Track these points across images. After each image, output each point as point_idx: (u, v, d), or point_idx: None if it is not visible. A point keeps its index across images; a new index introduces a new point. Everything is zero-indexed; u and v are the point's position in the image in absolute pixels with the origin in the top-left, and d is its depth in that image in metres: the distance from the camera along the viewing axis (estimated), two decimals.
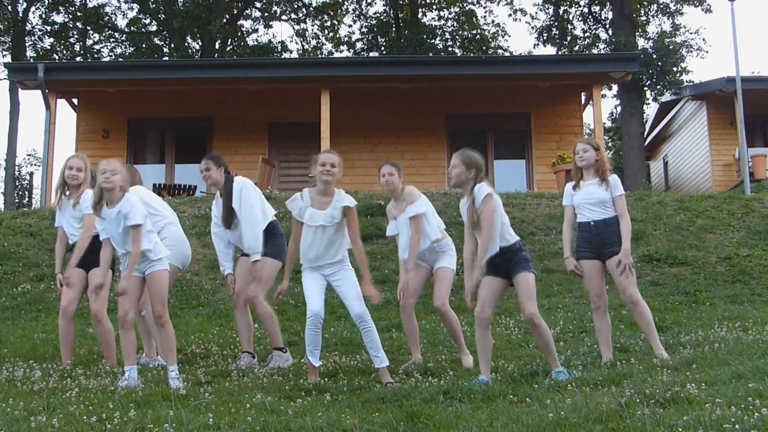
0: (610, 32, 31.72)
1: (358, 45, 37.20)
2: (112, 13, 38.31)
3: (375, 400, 6.04)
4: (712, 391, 5.11)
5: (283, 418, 5.30)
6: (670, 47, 28.30)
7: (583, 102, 22.08)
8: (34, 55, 36.21)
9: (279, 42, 38.01)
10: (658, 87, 28.24)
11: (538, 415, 5.01)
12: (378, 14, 37.86)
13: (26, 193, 38.57)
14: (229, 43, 37.23)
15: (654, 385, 5.31)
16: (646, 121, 31.37)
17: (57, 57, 37.13)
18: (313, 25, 40.07)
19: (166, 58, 34.98)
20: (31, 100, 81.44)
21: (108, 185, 6.76)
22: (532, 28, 34.74)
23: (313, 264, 7.09)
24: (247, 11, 37.63)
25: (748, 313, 10.07)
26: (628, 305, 7.56)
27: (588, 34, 33.70)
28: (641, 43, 30.54)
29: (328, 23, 39.86)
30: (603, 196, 7.54)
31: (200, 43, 35.33)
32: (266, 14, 36.52)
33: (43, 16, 36.51)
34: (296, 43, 41.53)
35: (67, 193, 7.90)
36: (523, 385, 6.37)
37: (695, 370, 6.24)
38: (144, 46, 37.60)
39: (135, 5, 37.26)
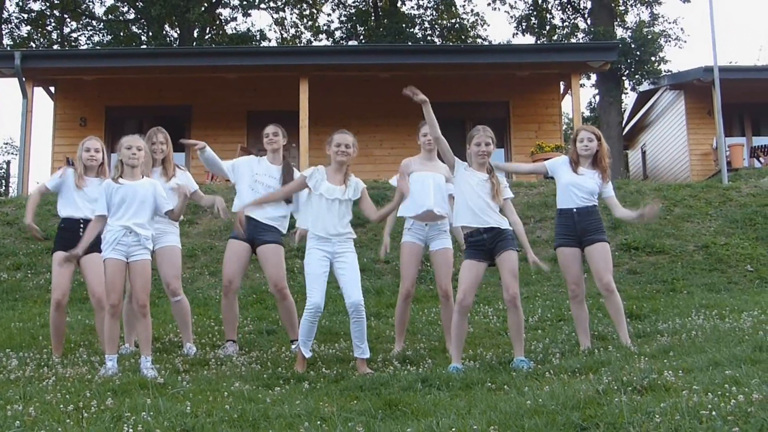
0: (588, 22, 31.72)
1: (337, 34, 37.04)
2: (89, 1, 37.81)
3: (353, 389, 6.04)
4: (689, 379, 5.13)
5: (261, 406, 5.30)
6: (649, 37, 28.33)
7: (561, 91, 22.13)
8: (11, 43, 35.81)
9: (258, 31, 37.81)
10: (637, 76, 28.29)
11: (516, 402, 5.03)
12: (357, 3, 37.71)
13: (3, 181, 38.18)
14: (207, 31, 36.93)
15: (631, 373, 5.34)
16: (625, 111, 31.44)
17: (34, 45, 36.78)
18: (291, 14, 39.88)
19: (144, 47, 34.71)
20: (8, 88, 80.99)
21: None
22: (511, 17, 34.66)
23: (323, 234, 7.06)
24: None
25: (725, 301, 10.14)
26: (603, 293, 7.56)
27: (567, 23, 33.69)
28: (620, 32, 30.56)
29: (307, 12, 39.65)
30: (593, 188, 7.60)
31: (178, 32, 35.05)
32: (245, 2, 36.17)
33: (20, 3, 36.14)
34: (275, 31, 41.34)
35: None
36: (501, 372, 6.40)
37: (672, 357, 6.27)
38: (122, 34, 37.26)
39: None
